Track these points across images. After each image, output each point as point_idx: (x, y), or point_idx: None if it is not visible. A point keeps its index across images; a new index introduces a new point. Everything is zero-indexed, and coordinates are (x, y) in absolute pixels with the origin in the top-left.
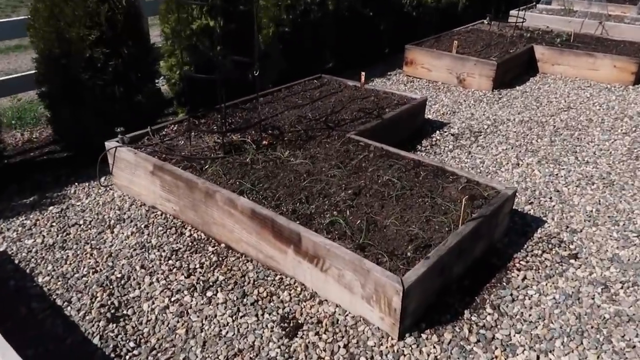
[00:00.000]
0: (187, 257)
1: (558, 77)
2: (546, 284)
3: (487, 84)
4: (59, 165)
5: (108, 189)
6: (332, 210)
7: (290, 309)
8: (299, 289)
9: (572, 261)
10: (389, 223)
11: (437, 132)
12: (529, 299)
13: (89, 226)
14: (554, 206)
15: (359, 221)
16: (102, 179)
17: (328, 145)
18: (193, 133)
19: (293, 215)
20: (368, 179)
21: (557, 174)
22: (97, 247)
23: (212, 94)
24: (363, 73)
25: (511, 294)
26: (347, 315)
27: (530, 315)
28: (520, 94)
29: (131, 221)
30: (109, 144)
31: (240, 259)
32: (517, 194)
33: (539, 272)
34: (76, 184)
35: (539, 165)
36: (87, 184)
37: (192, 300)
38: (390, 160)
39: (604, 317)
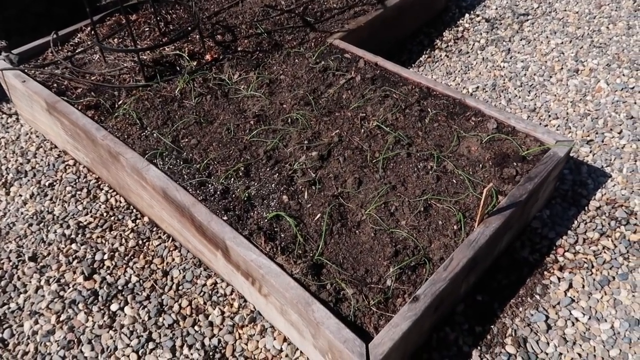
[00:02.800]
0: (97, 238)
1: None
2: (602, 299)
3: None
4: None
5: (15, 120)
6: (282, 190)
7: (220, 340)
8: (235, 304)
9: None
10: (365, 217)
11: (466, 15)
12: (574, 327)
13: None
14: (624, 147)
15: (319, 215)
16: (7, 107)
17: (299, 60)
18: (105, 50)
19: (223, 202)
20: (347, 124)
21: (632, 87)
22: None
23: None
24: None
25: (546, 318)
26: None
27: None
28: None
29: (34, 175)
30: None
31: (166, 244)
32: (571, 126)
33: (592, 275)
34: None
35: (607, 72)
36: None
37: (87, 321)
38: (386, 87)
39: None
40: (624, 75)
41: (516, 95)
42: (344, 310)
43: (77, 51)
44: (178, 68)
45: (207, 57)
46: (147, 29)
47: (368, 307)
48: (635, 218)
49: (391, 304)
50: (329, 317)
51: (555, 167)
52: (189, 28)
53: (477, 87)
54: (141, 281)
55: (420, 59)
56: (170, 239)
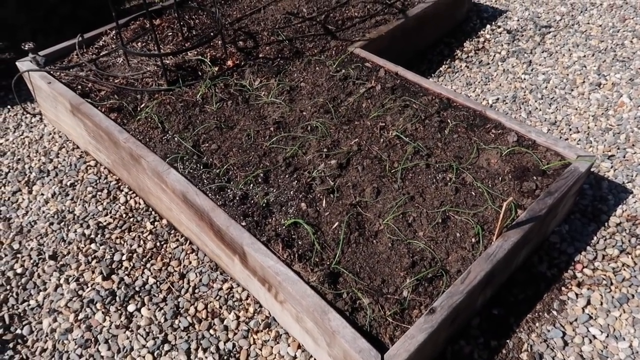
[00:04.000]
0: (116, 239)
1: None
2: (620, 316)
3: None
4: None
5: (39, 120)
6: (300, 197)
7: (235, 345)
8: (251, 309)
9: None
10: (382, 227)
11: (488, 26)
12: (591, 345)
13: (4, 181)
14: None
15: (336, 223)
16: (31, 107)
17: (319, 67)
18: (129, 54)
19: (242, 207)
20: (366, 133)
21: None
22: (7, 216)
23: None
24: None
25: (563, 335)
26: None
27: None
28: None
29: (56, 175)
30: (21, 65)
31: (183, 247)
32: (592, 140)
33: (611, 292)
34: (9, 107)
35: (630, 87)
36: (21, 109)
37: (104, 321)
38: (406, 97)
39: None
40: None
41: (537, 108)
42: (359, 319)
43: (101, 54)
44: (200, 73)
45: (229, 63)
46: (171, 33)
47: (384, 318)
48: None
49: (407, 315)
50: (344, 326)
51: (575, 182)
52: (212, 34)
53: (497, 99)
54: (158, 283)
55: (440, 69)
56: (188, 242)
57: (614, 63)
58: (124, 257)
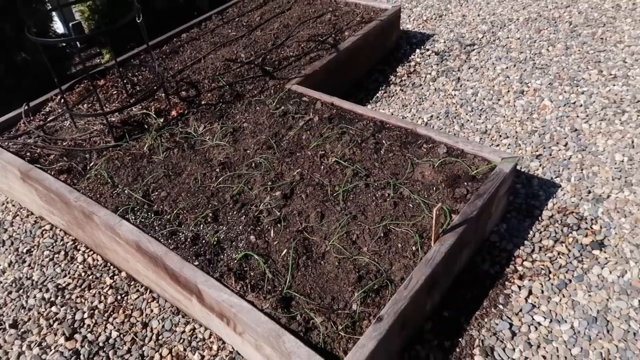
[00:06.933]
0: (77, 298)
1: None
2: (560, 301)
3: None
4: None
5: None
6: (249, 231)
7: None
8: (215, 346)
9: (596, 253)
10: (329, 248)
11: (418, 50)
12: (537, 332)
13: None
14: (570, 158)
15: (285, 250)
16: None
17: (260, 107)
18: (75, 116)
19: (194, 248)
20: (307, 162)
21: (574, 102)
22: None
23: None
24: None
25: (510, 326)
26: None
27: None
28: None
29: (12, 243)
30: None
31: (144, 296)
32: (521, 143)
33: (550, 280)
34: None
35: (550, 91)
36: None
37: None
38: (343, 125)
39: None
40: (565, 92)
41: (468, 120)
42: (314, 338)
43: (48, 119)
44: (146, 126)
45: (173, 113)
46: (115, 92)
47: (337, 333)
48: (586, 223)
49: (358, 327)
50: (299, 346)
51: (502, 182)
52: (154, 88)
53: (432, 116)
54: (122, 335)
55: (377, 95)
56: (148, 290)
57: (533, 71)
58: (85, 315)
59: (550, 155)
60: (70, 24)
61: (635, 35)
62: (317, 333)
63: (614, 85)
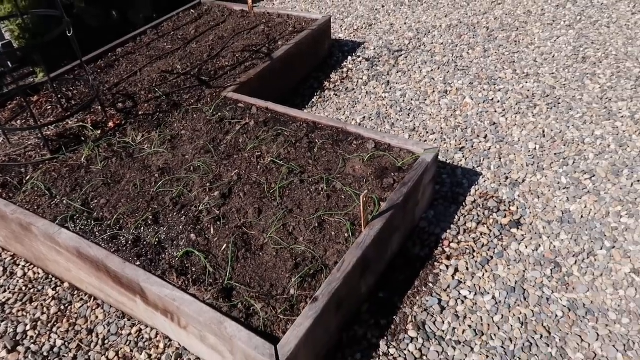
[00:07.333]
0: (18, 312)
1: None
2: (483, 276)
3: None
4: None
5: None
6: (189, 230)
7: None
8: (161, 345)
9: (514, 231)
10: (267, 240)
11: (349, 58)
12: (463, 305)
13: None
14: (490, 148)
15: (224, 245)
16: None
17: (197, 115)
18: (8, 132)
19: (135, 250)
20: (245, 163)
21: (492, 99)
22: None
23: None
24: None
25: (439, 301)
26: None
27: (464, 331)
28: None
29: None
30: None
31: (88, 304)
32: (446, 138)
33: (474, 258)
34: None
35: (471, 89)
36: None
37: None
38: (278, 127)
39: (556, 316)
40: (484, 90)
41: (398, 119)
42: (254, 323)
43: None
44: (83, 138)
45: (110, 124)
46: (50, 107)
47: (276, 316)
48: (504, 205)
49: (296, 310)
50: (240, 330)
51: (425, 170)
52: (90, 100)
53: (364, 117)
54: (67, 343)
55: (313, 100)
56: (92, 298)
57: (456, 72)
58: (28, 327)
59: (472, 147)
60: (0, 43)
61: (544, 38)
62: (257, 318)
63: (526, 82)
